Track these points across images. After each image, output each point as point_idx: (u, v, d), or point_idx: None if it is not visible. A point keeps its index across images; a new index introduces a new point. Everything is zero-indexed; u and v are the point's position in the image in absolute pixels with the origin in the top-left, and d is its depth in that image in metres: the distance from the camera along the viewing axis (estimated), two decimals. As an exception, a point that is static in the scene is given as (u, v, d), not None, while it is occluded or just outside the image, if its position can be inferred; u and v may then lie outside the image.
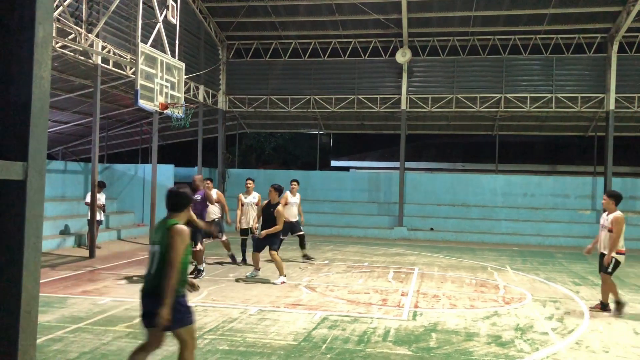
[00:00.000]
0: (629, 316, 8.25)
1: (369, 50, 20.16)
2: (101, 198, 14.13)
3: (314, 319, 7.51)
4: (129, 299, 8.46)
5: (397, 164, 21.22)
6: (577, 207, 20.06)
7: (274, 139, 35.48)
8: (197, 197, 10.49)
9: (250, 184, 12.24)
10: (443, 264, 13.45)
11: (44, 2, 1.31)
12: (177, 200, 4.56)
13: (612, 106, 18.61)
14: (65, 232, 15.02)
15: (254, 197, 12.15)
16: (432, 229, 19.85)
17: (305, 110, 21.07)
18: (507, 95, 19.43)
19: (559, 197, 20.36)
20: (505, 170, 23.76)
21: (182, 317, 4.39)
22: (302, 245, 13.13)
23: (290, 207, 12.77)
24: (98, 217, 13.71)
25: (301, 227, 13.14)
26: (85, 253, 13.13)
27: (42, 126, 1.31)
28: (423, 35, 19.57)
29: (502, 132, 22.59)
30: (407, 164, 21.33)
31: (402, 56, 19.21)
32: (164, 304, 4.19)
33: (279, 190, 10.39)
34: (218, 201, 11.68)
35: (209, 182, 11.65)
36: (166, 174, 18.74)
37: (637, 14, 16.83)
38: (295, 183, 13.46)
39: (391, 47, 19.93)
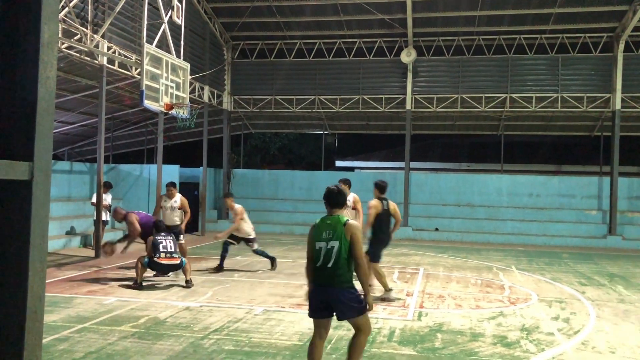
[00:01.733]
0: (635, 316, 8.20)
1: (374, 50, 20.14)
2: (107, 198, 14.16)
3: (319, 319, 7.49)
4: (134, 298, 8.49)
5: (402, 164, 21.19)
6: (583, 207, 19.98)
7: (278, 139, 35.49)
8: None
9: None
10: (448, 264, 13.43)
11: (49, 3, 1.32)
12: (340, 197, 4.95)
13: (618, 106, 18.54)
14: (71, 232, 15.08)
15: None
16: (437, 229, 19.82)
17: (310, 110, 21.07)
18: (513, 95, 19.37)
19: (564, 197, 20.28)
20: (510, 170, 23.69)
21: (363, 306, 4.76)
22: None
23: None
24: (104, 218, 13.75)
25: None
26: (91, 253, 13.17)
27: (48, 126, 1.31)
28: (428, 35, 19.53)
29: (507, 132, 22.52)
30: (412, 164, 21.29)
31: (407, 56, 19.19)
32: (367, 293, 4.76)
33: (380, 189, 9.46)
34: (181, 207, 11.24)
35: (172, 188, 11.33)
36: (171, 175, 18.77)
37: (644, 13, 16.76)
38: (341, 183, 10.96)
39: (396, 47, 19.90)
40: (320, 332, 4.86)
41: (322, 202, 16.60)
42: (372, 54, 20.21)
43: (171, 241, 9.48)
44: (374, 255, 8.96)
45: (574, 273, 12.45)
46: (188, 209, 11.34)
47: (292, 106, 20.88)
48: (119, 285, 9.55)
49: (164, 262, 9.27)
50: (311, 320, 7.49)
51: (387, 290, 8.96)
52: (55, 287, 9.21)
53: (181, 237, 10.96)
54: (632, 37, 18.35)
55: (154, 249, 9.27)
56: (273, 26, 19.90)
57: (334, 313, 4.77)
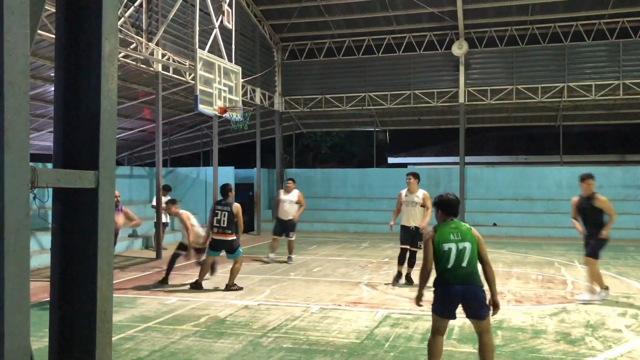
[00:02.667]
0: None
1: (424, 44, 19.88)
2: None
3: (376, 317, 7.49)
4: (194, 298, 8.71)
5: (456, 159, 20.83)
6: (650, 198, 19.07)
7: (330, 137, 35.55)
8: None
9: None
10: (507, 260, 13.12)
11: (109, 18, 1.38)
12: (458, 207, 5.22)
13: (686, 90, 17.59)
14: (133, 234, 15.62)
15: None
16: (495, 225, 19.38)
17: (361, 107, 21.01)
18: (571, 84, 18.70)
19: (630, 188, 19.42)
20: (570, 162, 22.87)
21: (489, 307, 4.98)
22: (410, 262, 10.09)
23: (405, 208, 10.31)
24: (164, 220, 14.18)
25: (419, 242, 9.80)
26: (153, 254, 13.60)
27: (111, 136, 1.37)
28: (479, 26, 19.11)
29: (566, 123, 21.77)
30: (467, 159, 20.90)
31: (459, 49, 18.84)
32: (494, 293, 4.99)
33: None
34: (298, 202, 12.30)
35: (290, 183, 12.51)
36: (227, 176, 19.14)
37: None
38: (410, 177, 10.33)
39: (447, 40, 19.57)
40: (443, 329, 5.10)
41: (374, 199, 16.86)
42: (423, 48, 19.95)
43: (226, 215, 9.32)
44: (596, 252, 8.53)
45: (642, 267, 11.91)
46: (304, 203, 12.50)
47: (342, 104, 20.88)
48: (180, 285, 9.83)
49: (217, 237, 9.32)
50: (367, 318, 7.54)
51: (604, 288, 8.50)
52: (120, 288, 9.57)
53: (291, 234, 12.16)
54: (700, 17, 17.36)
55: (210, 220, 9.42)
56: (321, 26, 19.96)
57: (462, 311, 4.97)
